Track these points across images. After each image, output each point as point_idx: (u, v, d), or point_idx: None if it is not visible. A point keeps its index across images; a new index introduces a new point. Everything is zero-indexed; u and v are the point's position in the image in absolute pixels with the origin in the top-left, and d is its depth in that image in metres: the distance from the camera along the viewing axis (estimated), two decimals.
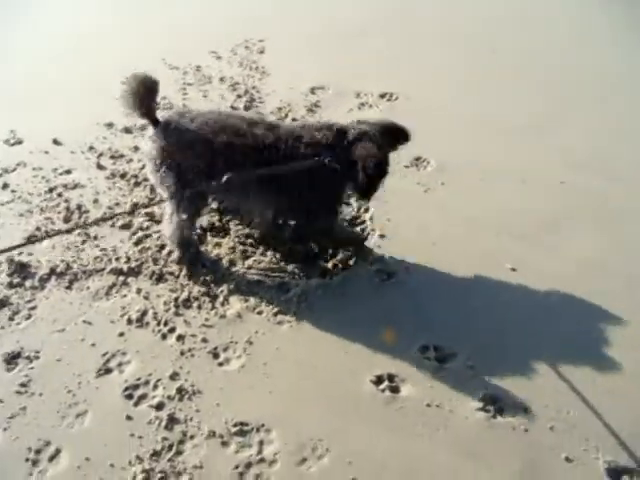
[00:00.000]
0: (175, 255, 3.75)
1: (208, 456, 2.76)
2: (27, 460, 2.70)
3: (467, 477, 2.74)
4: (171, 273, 3.69)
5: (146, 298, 3.54)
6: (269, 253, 3.87)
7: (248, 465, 2.73)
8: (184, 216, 3.55)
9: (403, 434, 2.90)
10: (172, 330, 3.36)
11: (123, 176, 4.51)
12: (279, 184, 3.41)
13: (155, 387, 3.05)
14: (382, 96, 5.92)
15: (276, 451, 2.79)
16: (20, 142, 4.88)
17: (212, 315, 3.46)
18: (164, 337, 3.32)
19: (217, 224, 4.09)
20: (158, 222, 4.02)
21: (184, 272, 3.69)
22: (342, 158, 3.33)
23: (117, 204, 4.22)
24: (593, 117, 5.77)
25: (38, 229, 3.95)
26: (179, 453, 2.76)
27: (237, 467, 2.71)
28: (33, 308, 3.44)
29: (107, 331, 3.33)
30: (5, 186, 4.33)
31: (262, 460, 2.75)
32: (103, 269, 3.70)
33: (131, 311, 3.44)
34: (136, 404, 2.97)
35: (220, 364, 3.20)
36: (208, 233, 4.03)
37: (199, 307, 3.50)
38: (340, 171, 3.33)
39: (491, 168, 4.90)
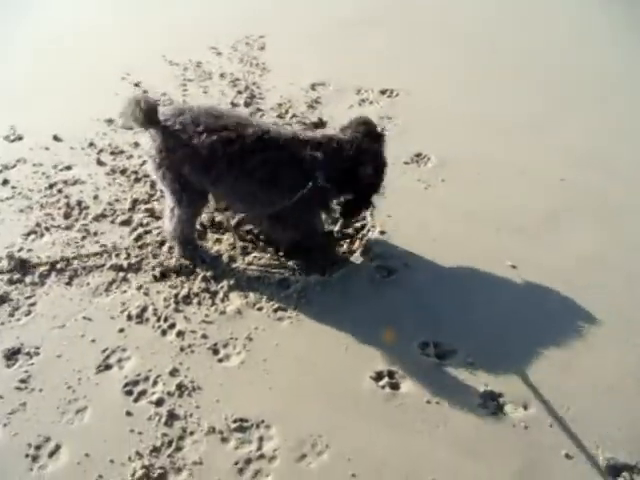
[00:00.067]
0: (176, 251, 3.75)
1: (208, 452, 2.76)
2: (27, 456, 2.70)
3: (467, 474, 2.75)
4: (171, 269, 3.69)
5: (146, 294, 3.54)
6: (269, 249, 3.86)
7: (248, 461, 2.73)
8: (185, 212, 3.55)
9: (403, 431, 2.90)
10: (172, 326, 3.36)
11: (123, 172, 4.51)
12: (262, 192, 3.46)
13: (155, 383, 3.05)
14: (383, 92, 5.91)
15: (276, 447, 2.79)
16: (20, 138, 4.88)
17: (212, 311, 3.46)
18: (164, 333, 3.32)
19: (217, 220, 4.09)
20: (158, 218, 4.03)
21: (184, 268, 3.70)
22: (332, 174, 3.38)
23: (117, 200, 4.22)
24: (593, 117, 5.74)
25: (38, 225, 3.95)
26: (179, 449, 2.77)
27: (237, 463, 2.72)
28: (33, 304, 3.44)
29: (107, 327, 3.33)
30: (5, 182, 4.33)
31: (262, 456, 2.75)
32: (103, 265, 3.70)
33: (131, 307, 3.44)
34: (136, 400, 2.97)
35: (220, 360, 3.20)
36: (208, 229, 4.02)
37: (199, 303, 3.50)
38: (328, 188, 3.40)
39: (491, 164, 4.89)
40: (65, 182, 4.36)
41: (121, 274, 3.65)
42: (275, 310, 3.48)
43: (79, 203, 4.17)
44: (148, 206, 4.16)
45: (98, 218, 4.06)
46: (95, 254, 3.74)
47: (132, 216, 4.08)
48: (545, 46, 7.18)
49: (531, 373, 3.19)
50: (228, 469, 2.70)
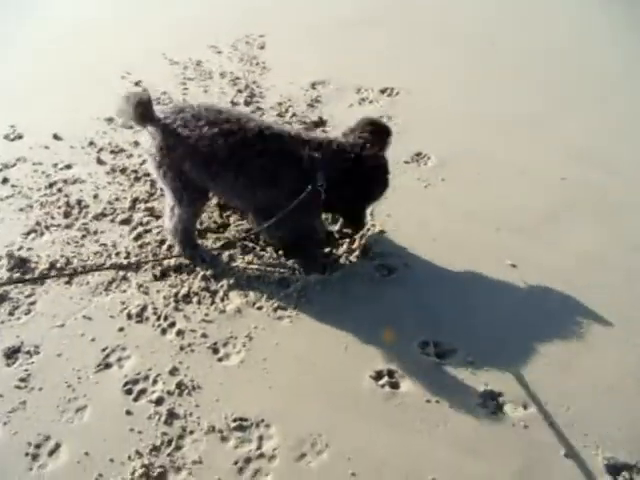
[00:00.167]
0: (176, 250, 3.75)
1: (207, 451, 2.76)
2: (27, 454, 2.70)
3: (467, 473, 2.75)
4: (170, 268, 3.69)
5: (146, 293, 3.54)
6: (269, 248, 3.86)
7: (247, 460, 2.73)
8: (185, 212, 3.55)
9: (403, 430, 2.90)
10: (172, 325, 3.36)
11: (123, 171, 4.51)
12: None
13: (155, 382, 3.05)
14: (383, 91, 5.91)
15: (275, 446, 2.79)
16: (20, 137, 4.87)
17: (212, 310, 3.46)
18: (164, 332, 3.32)
19: (217, 219, 4.09)
20: (158, 217, 4.02)
21: (185, 267, 3.70)
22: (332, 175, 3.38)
23: (117, 199, 4.22)
24: (593, 117, 5.74)
25: (38, 224, 3.95)
26: (178, 448, 2.77)
27: (236, 462, 2.72)
28: (33, 303, 3.44)
29: (107, 326, 3.33)
30: (5, 181, 4.33)
31: (261, 455, 2.75)
32: (103, 264, 3.70)
33: (131, 306, 3.44)
34: (136, 399, 2.97)
35: (220, 359, 3.20)
36: (208, 228, 4.02)
37: (199, 302, 3.50)
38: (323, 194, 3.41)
39: (491, 164, 4.89)
40: (65, 181, 4.36)
41: (121, 273, 3.65)
42: (275, 309, 3.48)
43: (79, 202, 4.17)
44: (148, 205, 4.16)
45: (98, 217, 4.05)
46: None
47: (132, 215, 4.08)
48: (545, 46, 7.18)
49: (531, 372, 3.19)
50: (228, 468, 2.70)
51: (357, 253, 3.88)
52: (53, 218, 4.02)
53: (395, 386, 3.11)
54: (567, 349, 3.36)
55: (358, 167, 3.40)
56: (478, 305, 3.61)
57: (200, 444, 2.79)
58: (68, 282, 3.58)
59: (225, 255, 3.79)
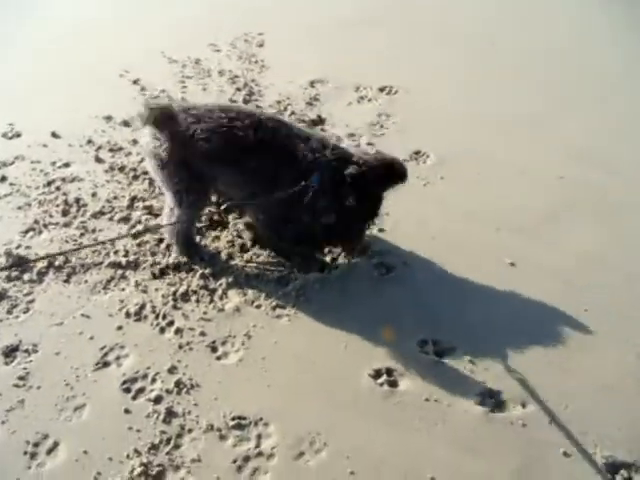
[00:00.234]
0: (174, 250, 3.75)
1: (206, 450, 2.76)
2: (25, 453, 2.70)
3: (465, 471, 2.75)
4: (169, 266, 3.69)
5: (144, 292, 3.53)
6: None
7: (246, 459, 2.73)
8: (185, 214, 3.54)
9: (401, 428, 2.91)
10: (170, 324, 3.36)
11: (122, 169, 4.50)
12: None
13: (153, 381, 3.05)
14: (381, 90, 5.90)
15: (274, 445, 2.79)
16: (18, 135, 4.86)
17: (210, 309, 3.46)
18: (162, 331, 3.32)
19: (216, 218, 4.08)
20: (156, 216, 4.02)
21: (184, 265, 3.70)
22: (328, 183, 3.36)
23: (115, 197, 4.21)
24: (593, 116, 5.75)
25: (36, 222, 3.94)
26: (177, 447, 2.77)
27: (235, 461, 2.72)
28: (31, 301, 3.43)
29: (105, 325, 3.33)
30: (3, 179, 4.31)
31: (260, 454, 2.75)
32: (101, 263, 3.69)
33: (129, 305, 3.44)
34: (134, 397, 2.97)
35: (218, 358, 3.20)
36: (206, 227, 4.02)
37: (197, 301, 3.50)
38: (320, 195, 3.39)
39: (491, 163, 4.89)
40: (63, 179, 4.35)
41: (119, 271, 3.65)
42: (274, 308, 3.48)
43: (77, 200, 4.16)
44: (146, 203, 4.15)
45: (96, 215, 4.05)
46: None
47: (130, 213, 4.07)
48: (545, 46, 7.18)
49: (530, 371, 3.19)
50: (226, 467, 2.70)
51: (356, 252, 3.88)
52: (51, 216, 4.01)
53: (394, 384, 3.11)
54: (566, 348, 3.36)
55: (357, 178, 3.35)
56: (477, 304, 3.61)
57: (199, 443, 2.79)
58: (66, 280, 3.57)
59: (224, 253, 3.79)
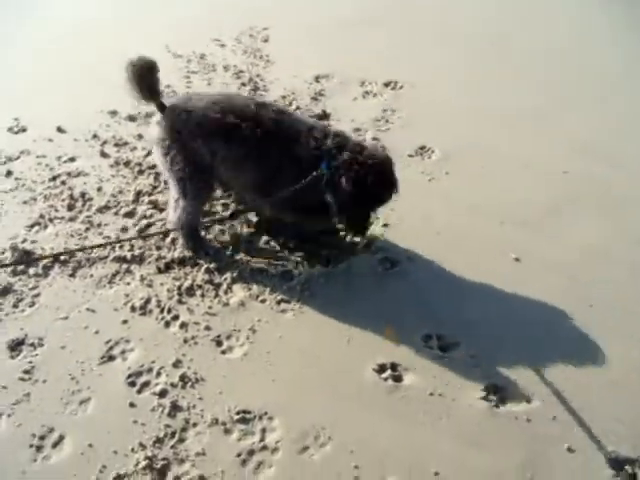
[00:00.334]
0: (179, 243, 3.75)
1: (211, 443, 2.77)
2: (31, 446, 2.71)
3: (470, 465, 2.75)
4: (174, 261, 3.69)
5: (149, 286, 3.54)
6: (272, 242, 3.86)
7: (250, 453, 2.74)
8: (190, 204, 3.55)
9: (406, 423, 2.91)
10: (175, 318, 3.36)
11: (127, 164, 4.50)
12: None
13: (158, 375, 3.05)
14: (387, 85, 5.89)
15: (278, 439, 2.80)
16: (24, 130, 4.87)
17: (215, 303, 3.46)
18: (167, 325, 3.33)
19: (222, 211, 4.09)
20: (162, 210, 4.02)
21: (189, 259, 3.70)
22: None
23: (121, 192, 4.21)
24: (596, 111, 5.75)
25: (42, 217, 3.95)
26: (182, 440, 2.77)
27: (239, 455, 2.73)
28: (37, 295, 3.44)
29: (110, 319, 3.34)
30: (9, 174, 4.32)
31: (264, 448, 2.76)
32: (107, 257, 3.70)
33: (134, 299, 3.45)
34: (139, 391, 2.98)
35: (223, 352, 3.21)
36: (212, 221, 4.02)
37: (202, 295, 3.51)
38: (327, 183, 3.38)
39: (495, 157, 4.89)
40: (69, 174, 4.36)
41: (124, 266, 3.66)
42: (278, 302, 3.49)
43: (83, 195, 4.17)
44: (152, 198, 4.16)
45: (102, 210, 4.05)
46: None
47: (136, 208, 4.08)
48: (545, 46, 7.15)
49: (534, 366, 3.19)
50: (231, 460, 2.70)
51: (360, 246, 3.88)
52: (57, 211, 4.02)
53: (398, 379, 3.11)
54: (570, 343, 3.36)
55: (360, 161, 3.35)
56: (481, 299, 3.60)
57: (203, 436, 2.80)
58: (72, 275, 3.58)
59: (229, 248, 3.79)
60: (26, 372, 3.02)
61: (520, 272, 3.79)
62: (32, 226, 3.89)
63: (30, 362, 3.07)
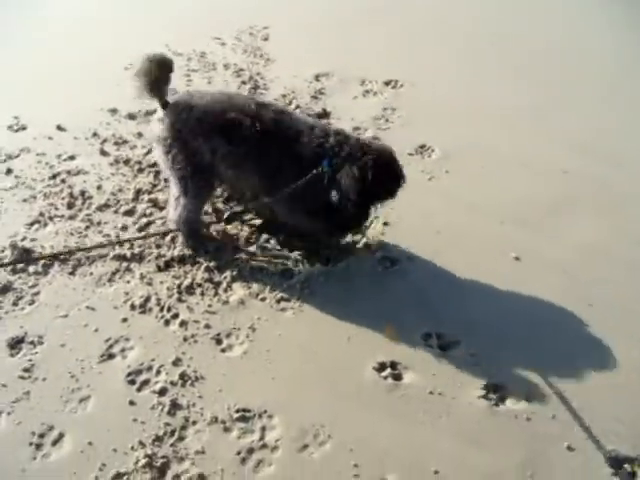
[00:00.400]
0: (179, 241, 3.75)
1: (210, 442, 2.77)
2: (31, 444, 2.70)
3: (470, 464, 2.75)
4: (174, 259, 3.69)
5: (149, 284, 3.54)
6: (272, 241, 3.86)
7: (250, 451, 2.74)
8: (191, 202, 3.55)
9: (405, 421, 2.91)
10: (175, 316, 3.36)
11: (127, 162, 4.50)
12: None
13: (158, 373, 3.05)
14: (387, 83, 5.89)
15: (278, 437, 2.80)
16: (24, 128, 4.86)
17: (215, 301, 3.46)
18: (167, 323, 3.32)
19: (222, 209, 4.09)
20: (162, 208, 4.02)
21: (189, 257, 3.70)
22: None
23: (120, 190, 4.21)
24: (596, 110, 5.76)
25: (42, 215, 3.94)
26: (181, 438, 2.77)
27: (239, 453, 2.72)
28: (37, 293, 3.44)
29: (110, 317, 3.33)
30: (9, 172, 4.32)
31: (264, 446, 2.76)
32: (106, 255, 3.70)
33: (134, 297, 3.44)
34: (139, 389, 2.98)
35: (223, 350, 3.21)
36: (211, 219, 4.02)
37: (202, 293, 3.51)
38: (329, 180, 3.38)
39: (495, 156, 4.89)
40: (68, 172, 4.35)
41: (124, 264, 3.65)
42: (278, 300, 3.49)
43: (82, 193, 4.16)
44: (152, 196, 4.15)
45: (101, 208, 4.05)
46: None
47: (135, 206, 4.07)
48: (545, 46, 7.15)
49: (533, 365, 3.19)
50: (231, 459, 2.70)
51: (360, 245, 3.88)
52: (57, 209, 4.02)
53: (398, 377, 3.11)
54: (570, 342, 3.36)
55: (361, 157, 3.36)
56: (481, 297, 3.61)
57: (203, 434, 2.79)
58: (72, 273, 3.58)
59: (229, 246, 3.79)
60: (26, 370, 3.02)
61: (520, 271, 3.79)
62: (32, 224, 3.88)
63: (30, 360, 3.07)
